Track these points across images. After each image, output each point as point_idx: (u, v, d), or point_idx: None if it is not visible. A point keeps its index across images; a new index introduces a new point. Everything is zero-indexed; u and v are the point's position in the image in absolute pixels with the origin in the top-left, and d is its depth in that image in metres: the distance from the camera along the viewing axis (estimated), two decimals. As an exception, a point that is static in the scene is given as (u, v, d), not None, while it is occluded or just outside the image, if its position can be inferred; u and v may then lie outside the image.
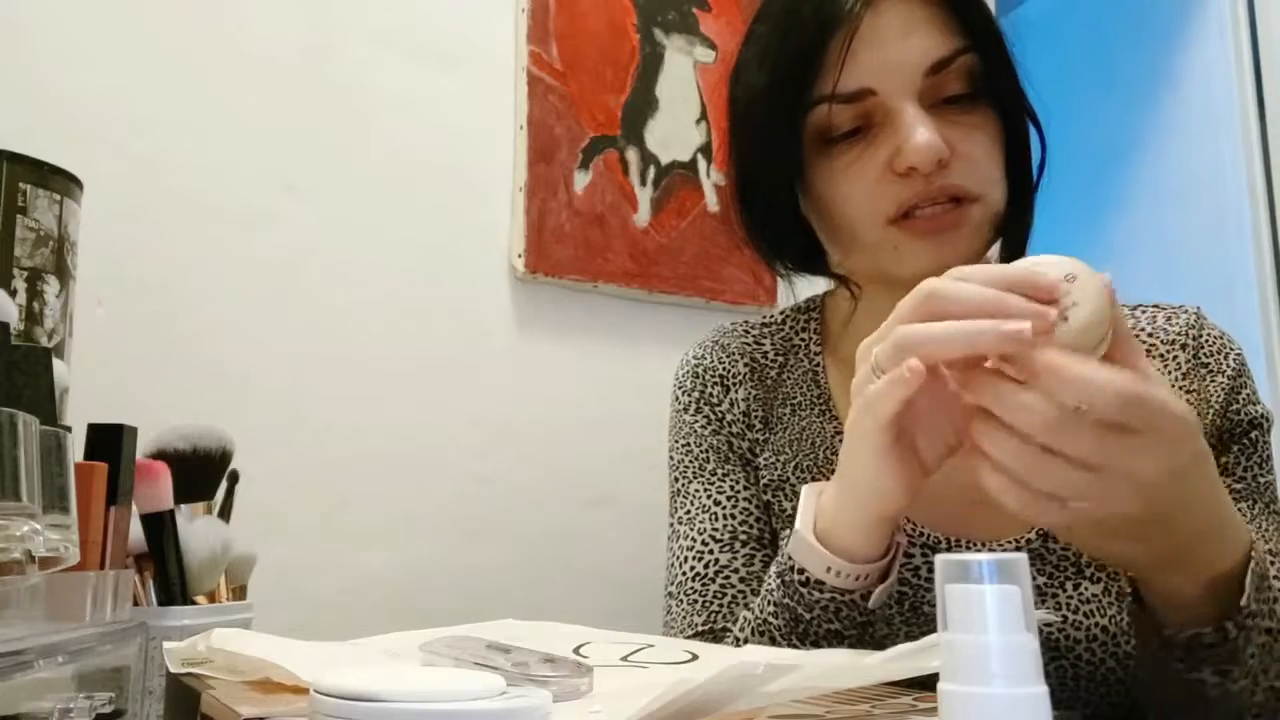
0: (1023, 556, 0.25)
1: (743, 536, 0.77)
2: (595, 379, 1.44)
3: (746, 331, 0.86)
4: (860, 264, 0.74)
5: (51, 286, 0.72)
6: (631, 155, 1.50)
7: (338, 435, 1.21)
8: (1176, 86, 2.10)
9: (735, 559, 0.76)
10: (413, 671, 0.35)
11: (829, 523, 0.59)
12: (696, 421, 0.82)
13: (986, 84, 0.70)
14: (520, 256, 1.37)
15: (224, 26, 1.19)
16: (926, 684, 0.39)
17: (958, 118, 0.68)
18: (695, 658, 0.52)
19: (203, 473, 0.76)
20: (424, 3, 1.35)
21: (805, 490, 0.63)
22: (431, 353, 1.30)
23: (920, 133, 0.65)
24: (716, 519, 0.78)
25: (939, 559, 0.27)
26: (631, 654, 0.53)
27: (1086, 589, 0.68)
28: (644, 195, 1.51)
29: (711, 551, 0.76)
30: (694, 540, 0.78)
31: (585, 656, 0.51)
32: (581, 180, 1.44)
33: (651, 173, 1.52)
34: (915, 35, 0.68)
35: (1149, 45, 2.15)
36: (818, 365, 0.81)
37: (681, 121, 1.56)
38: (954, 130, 0.67)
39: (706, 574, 0.76)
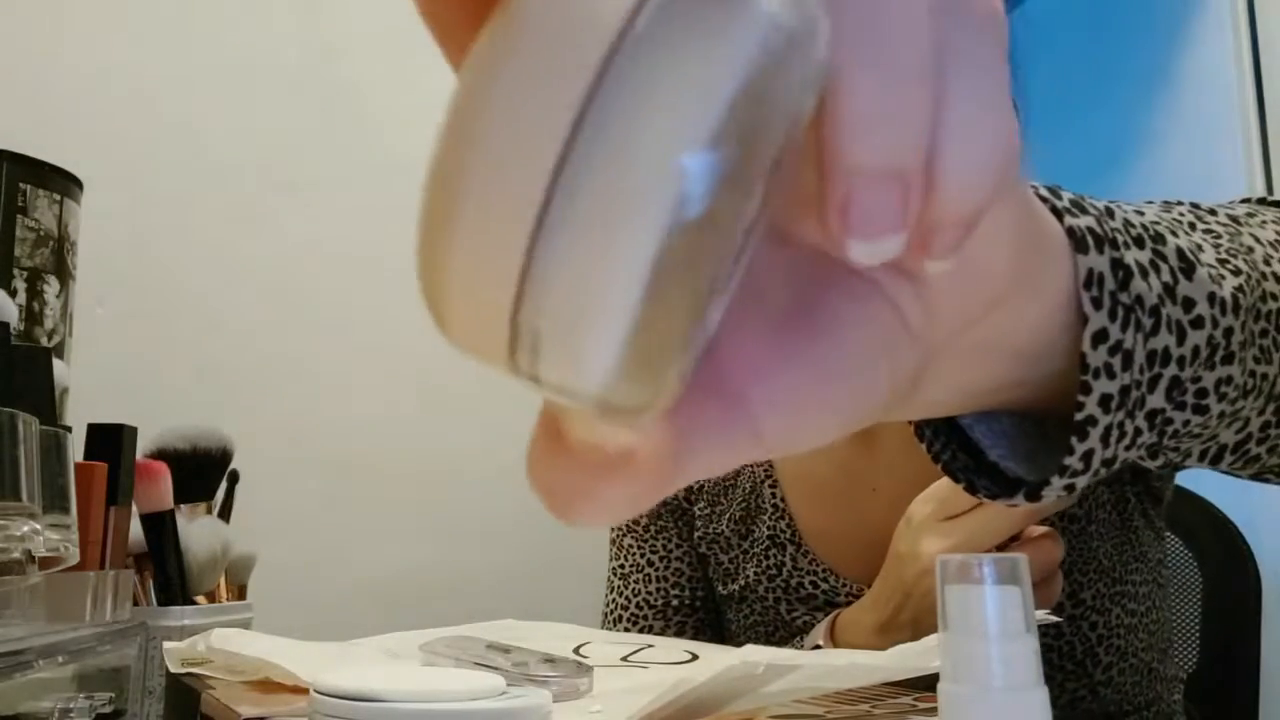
0: (1023, 556, 0.25)
1: (675, 603, 0.78)
2: (595, 379, 1.44)
3: None
4: None
5: (51, 286, 0.72)
6: (631, 155, 1.51)
7: (338, 435, 1.21)
8: (1176, 87, 2.09)
9: (668, 628, 0.78)
10: (413, 671, 0.35)
11: None
12: None
13: None
14: (520, 256, 1.37)
15: (224, 26, 1.19)
16: (926, 684, 0.39)
17: None
18: (695, 658, 0.52)
19: (203, 473, 0.76)
20: (424, 3, 1.35)
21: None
22: (431, 352, 1.30)
23: None
24: (650, 581, 0.79)
25: (939, 558, 0.27)
26: (631, 654, 0.54)
27: None
28: (644, 195, 1.51)
29: (646, 618, 0.78)
30: (629, 600, 0.80)
31: (585, 656, 0.51)
32: (581, 180, 1.44)
33: (651, 173, 1.52)
34: None
35: (1148, 45, 2.14)
36: None
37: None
38: None
39: None
